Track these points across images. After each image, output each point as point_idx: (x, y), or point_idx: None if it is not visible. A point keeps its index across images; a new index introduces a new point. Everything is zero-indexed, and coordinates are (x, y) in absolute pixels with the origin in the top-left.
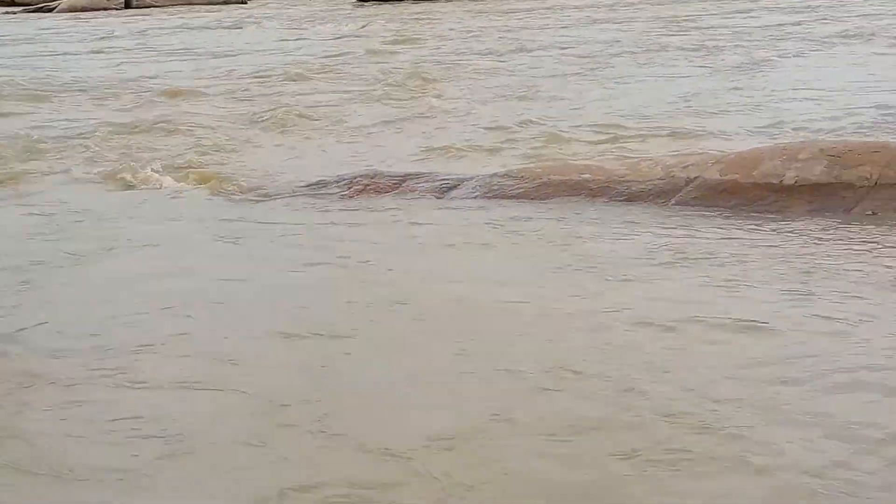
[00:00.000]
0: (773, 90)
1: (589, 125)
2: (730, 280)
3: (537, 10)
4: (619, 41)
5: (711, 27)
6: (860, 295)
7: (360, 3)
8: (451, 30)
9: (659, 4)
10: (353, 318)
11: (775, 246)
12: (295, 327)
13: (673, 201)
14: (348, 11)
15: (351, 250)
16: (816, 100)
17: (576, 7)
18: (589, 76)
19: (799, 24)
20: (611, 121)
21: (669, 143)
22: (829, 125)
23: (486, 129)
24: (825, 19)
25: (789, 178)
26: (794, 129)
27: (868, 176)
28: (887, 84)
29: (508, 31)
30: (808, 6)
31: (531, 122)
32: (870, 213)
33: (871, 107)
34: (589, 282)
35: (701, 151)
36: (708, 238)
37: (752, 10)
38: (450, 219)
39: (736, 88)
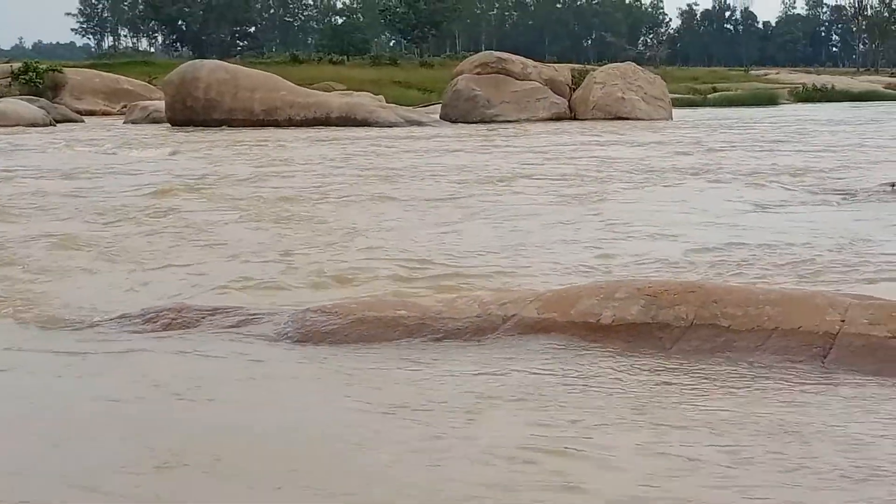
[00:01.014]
0: (599, 225)
1: (412, 259)
2: (545, 422)
3: (361, 140)
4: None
5: (561, 160)
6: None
7: (175, 128)
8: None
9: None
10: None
11: (587, 385)
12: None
13: (489, 339)
14: (163, 137)
15: (124, 394)
16: (639, 237)
17: (409, 139)
18: (416, 209)
19: (646, 158)
20: (432, 255)
21: (492, 278)
22: (648, 263)
23: (303, 260)
24: (675, 154)
25: (606, 317)
26: (614, 267)
27: (684, 316)
28: (706, 221)
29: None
30: (660, 142)
31: (358, 255)
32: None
33: (689, 245)
34: (387, 429)
35: (520, 288)
36: (518, 381)
37: (613, 143)
38: (252, 358)
39: (565, 223)
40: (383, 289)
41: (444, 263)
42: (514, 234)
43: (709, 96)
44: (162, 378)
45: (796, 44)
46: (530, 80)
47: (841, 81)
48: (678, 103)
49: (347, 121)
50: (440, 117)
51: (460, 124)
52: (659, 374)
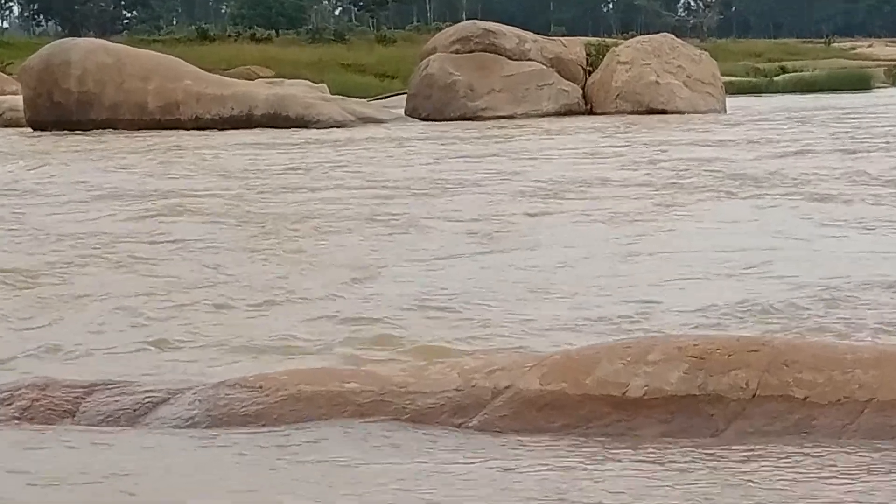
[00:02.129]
0: (606, 262)
1: (362, 312)
2: None
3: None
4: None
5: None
6: None
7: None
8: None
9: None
10: None
11: (621, 492)
12: None
13: (474, 421)
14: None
15: None
16: (665, 281)
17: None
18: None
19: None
20: (395, 304)
21: (471, 334)
22: (685, 314)
23: (217, 307)
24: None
25: (636, 387)
26: (637, 319)
27: (744, 385)
28: (785, 248)
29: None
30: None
31: (300, 309)
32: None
33: (738, 287)
34: None
35: (514, 349)
36: (521, 482)
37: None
38: (145, 466)
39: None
40: (337, 352)
41: (419, 317)
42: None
43: (776, 79)
44: None
45: None
46: (529, 59)
47: None
48: (734, 89)
49: (277, 120)
50: (406, 113)
51: (433, 122)
52: (714, 471)
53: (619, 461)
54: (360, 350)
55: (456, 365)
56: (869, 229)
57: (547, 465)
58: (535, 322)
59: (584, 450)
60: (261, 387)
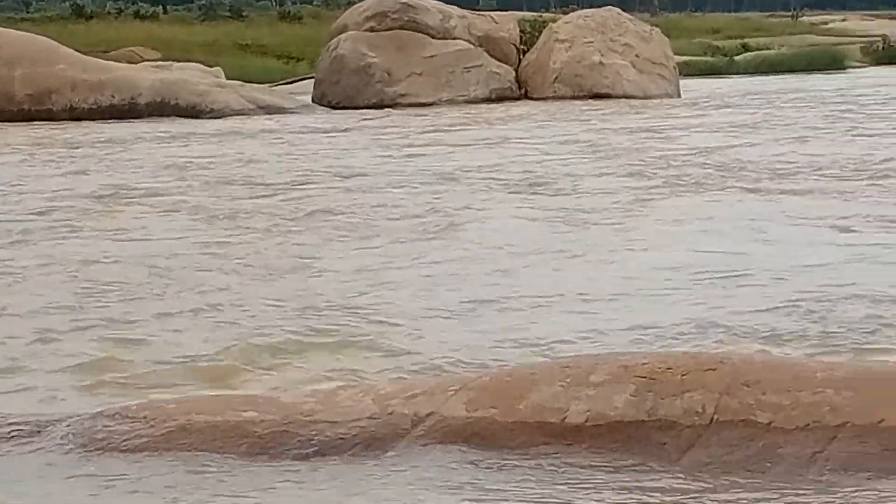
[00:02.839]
0: (548, 267)
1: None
2: None
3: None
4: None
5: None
6: None
7: None
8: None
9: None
10: None
11: None
12: None
13: (391, 454)
14: None
15: None
16: (614, 289)
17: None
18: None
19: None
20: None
21: (380, 356)
22: (634, 328)
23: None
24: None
25: (577, 413)
26: (580, 334)
27: (700, 409)
28: (708, 264)
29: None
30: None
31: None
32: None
33: (695, 296)
34: None
35: (435, 371)
36: None
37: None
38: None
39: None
40: (237, 379)
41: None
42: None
43: (737, 58)
44: None
45: None
46: (455, 38)
47: None
48: (689, 70)
49: (164, 109)
50: (313, 100)
51: (344, 111)
52: None
53: (557, 498)
54: (261, 371)
55: (370, 389)
56: (843, 229)
57: (474, 502)
58: (462, 339)
59: (516, 485)
60: (144, 417)
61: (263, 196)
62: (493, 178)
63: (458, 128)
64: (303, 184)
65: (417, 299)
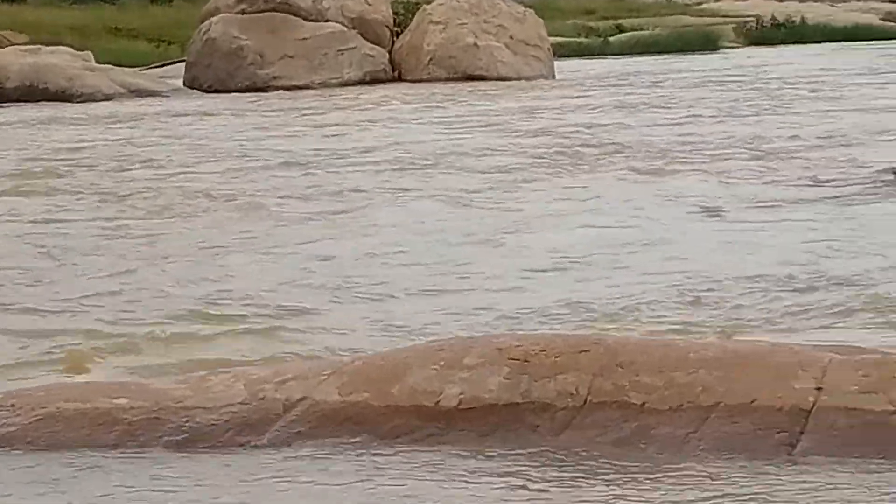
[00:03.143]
0: (429, 249)
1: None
2: None
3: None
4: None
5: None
6: None
7: None
8: None
9: None
10: None
11: None
12: None
13: (264, 439)
14: None
15: None
16: (491, 271)
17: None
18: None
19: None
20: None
21: (255, 340)
22: (504, 311)
23: None
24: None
25: (451, 396)
26: (454, 316)
27: (573, 391)
28: (625, 233)
29: None
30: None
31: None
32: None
33: (571, 278)
34: None
35: (308, 355)
36: None
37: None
38: None
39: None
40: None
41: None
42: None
43: (611, 39)
44: None
45: None
46: (328, 20)
47: (815, 11)
48: (564, 51)
49: (34, 93)
50: (184, 83)
51: (217, 94)
52: (538, 491)
53: (431, 480)
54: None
55: (241, 375)
56: (717, 210)
57: (347, 486)
58: (335, 322)
59: (390, 468)
60: (13, 405)
61: (136, 180)
62: (378, 160)
63: (338, 109)
64: (186, 167)
65: (299, 284)
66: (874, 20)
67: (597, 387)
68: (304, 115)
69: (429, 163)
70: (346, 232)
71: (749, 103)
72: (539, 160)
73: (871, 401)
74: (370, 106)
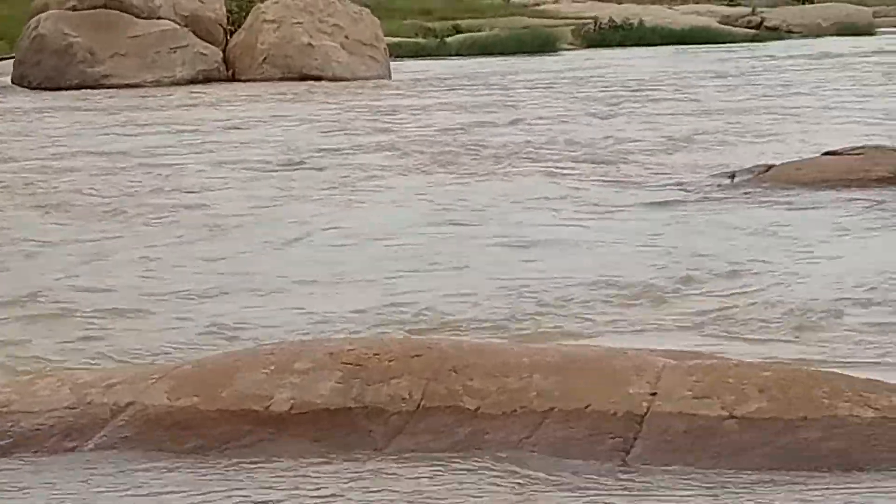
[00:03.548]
0: (252, 255)
1: None
2: None
3: None
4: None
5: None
6: None
7: None
8: None
9: None
10: None
11: None
12: None
13: (90, 444)
14: None
15: None
16: (323, 274)
17: None
18: None
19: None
20: None
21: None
22: (340, 313)
23: None
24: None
25: (281, 401)
26: (285, 320)
27: (406, 395)
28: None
29: None
30: None
31: None
32: None
33: (406, 281)
34: None
35: (136, 359)
36: None
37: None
38: None
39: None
40: None
41: None
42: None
43: (448, 40)
44: None
45: None
46: (160, 18)
47: (653, 13)
48: (401, 51)
49: None
50: (12, 81)
51: (46, 92)
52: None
53: (262, 484)
54: None
55: (68, 378)
56: (562, 212)
57: (174, 492)
58: (153, 325)
59: (217, 474)
60: None
61: None
62: (215, 161)
63: (178, 108)
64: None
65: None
66: (711, 23)
67: (430, 391)
68: (148, 110)
69: (272, 163)
70: (191, 229)
71: (590, 105)
72: (377, 162)
73: (704, 406)
74: (209, 104)
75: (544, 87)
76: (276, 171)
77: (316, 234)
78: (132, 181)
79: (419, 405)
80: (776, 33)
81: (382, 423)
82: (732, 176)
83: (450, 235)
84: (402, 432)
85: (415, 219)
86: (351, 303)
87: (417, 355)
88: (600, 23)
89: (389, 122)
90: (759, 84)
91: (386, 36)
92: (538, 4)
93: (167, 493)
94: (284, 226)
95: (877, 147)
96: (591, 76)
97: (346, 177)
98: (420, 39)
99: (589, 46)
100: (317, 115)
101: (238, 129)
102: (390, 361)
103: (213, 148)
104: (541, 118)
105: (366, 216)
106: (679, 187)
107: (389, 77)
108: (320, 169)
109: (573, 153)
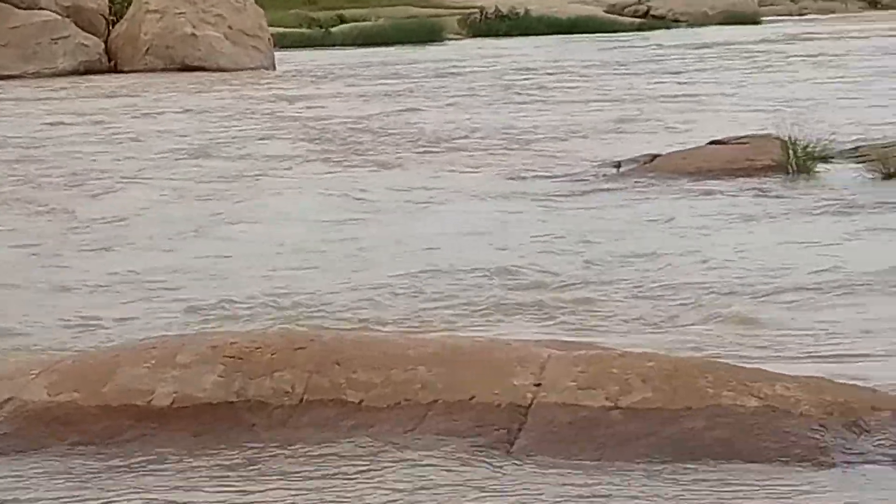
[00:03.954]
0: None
1: None
2: None
3: None
4: None
5: None
6: None
7: None
8: None
9: None
10: None
11: None
12: None
13: None
14: None
15: None
16: (203, 267)
17: None
18: None
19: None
20: None
21: None
22: (211, 306)
23: None
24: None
25: (163, 395)
26: (166, 315)
27: (290, 388)
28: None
29: None
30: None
31: None
32: None
33: (292, 274)
34: None
35: (15, 353)
36: None
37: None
38: None
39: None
40: None
41: None
42: None
43: (333, 30)
44: None
45: None
46: (41, 8)
47: (539, 2)
48: (285, 42)
49: None
50: None
51: None
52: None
53: (142, 488)
54: None
55: None
56: (427, 203)
57: (55, 489)
58: (43, 320)
59: (99, 473)
60: None
61: None
62: (107, 151)
63: (57, 100)
64: None
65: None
66: (598, 12)
67: (313, 384)
68: (52, 100)
69: (169, 156)
70: (77, 223)
71: (478, 94)
72: (270, 153)
73: (588, 396)
74: (96, 95)
75: (434, 77)
76: (174, 162)
77: (211, 226)
78: (23, 173)
79: (302, 398)
80: (663, 22)
81: (265, 417)
82: (618, 166)
83: (342, 227)
84: (286, 426)
85: (310, 210)
86: (236, 295)
87: (300, 348)
88: (486, 12)
89: (279, 112)
90: (647, 73)
91: (270, 26)
92: None
93: (48, 489)
94: (180, 218)
95: (762, 136)
96: (479, 66)
97: (242, 170)
98: (305, 30)
99: (475, 36)
100: (207, 105)
101: (134, 118)
102: (273, 355)
103: (107, 138)
104: (432, 107)
105: (261, 207)
106: (566, 177)
107: (274, 68)
108: (215, 159)
109: (463, 143)
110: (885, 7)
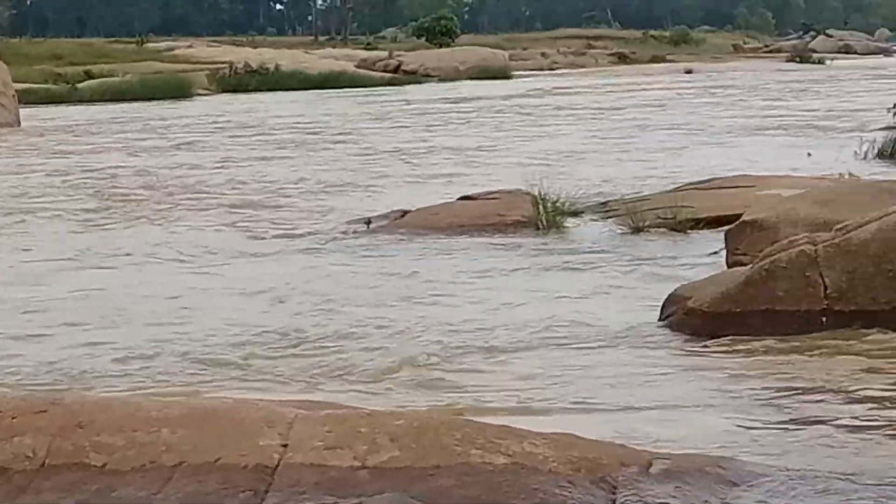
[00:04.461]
0: None
1: None
2: None
3: None
4: None
5: None
6: None
7: None
8: None
9: None
10: None
11: None
12: None
13: None
14: None
15: None
16: None
17: None
18: None
19: None
20: None
21: None
22: None
23: None
24: None
25: None
26: None
27: (31, 453)
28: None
29: None
30: None
31: None
32: None
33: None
34: None
35: None
36: None
37: None
38: None
39: None
40: None
41: None
42: None
43: (80, 86)
44: None
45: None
46: None
47: (290, 58)
48: (31, 98)
49: None
50: None
51: None
52: None
53: None
54: None
55: None
56: (184, 264)
57: None
58: None
59: None
60: None
61: None
62: None
63: None
64: None
65: None
66: (349, 67)
67: (55, 448)
68: None
69: None
70: None
71: (230, 149)
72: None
73: (336, 456)
74: None
75: (183, 131)
76: None
77: None
78: None
79: (44, 462)
80: (414, 77)
81: (5, 482)
82: (368, 222)
83: (87, 285)
84: (26, 491)
85: (54, 266)
86: None
87: (42, 411)
88: (236, 67)
89: (27, 170)
90: (401, 127)
91: (15, 82)
92: (171, 49)
93: None
94: None
95: (512, 191)
96: (230, 121)
97: None
98: (51, 85)
99: (225, 91)
100: None
101: None
102: (14, 419)
103: None
104: (180, 165)
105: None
106: (314, 234)
107: (18, 124)
108: None
109: (217, 197)
110: (633, 61)
